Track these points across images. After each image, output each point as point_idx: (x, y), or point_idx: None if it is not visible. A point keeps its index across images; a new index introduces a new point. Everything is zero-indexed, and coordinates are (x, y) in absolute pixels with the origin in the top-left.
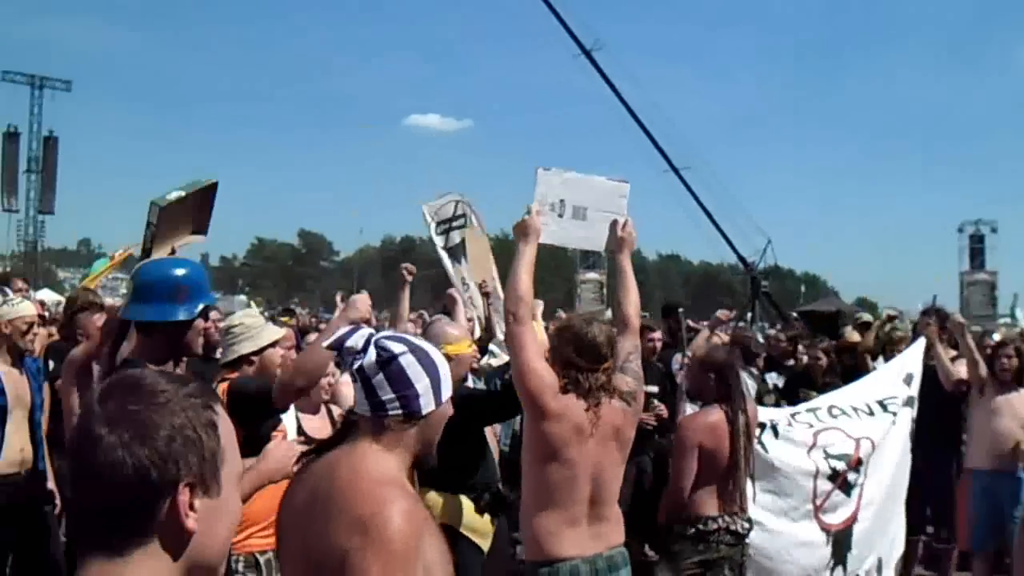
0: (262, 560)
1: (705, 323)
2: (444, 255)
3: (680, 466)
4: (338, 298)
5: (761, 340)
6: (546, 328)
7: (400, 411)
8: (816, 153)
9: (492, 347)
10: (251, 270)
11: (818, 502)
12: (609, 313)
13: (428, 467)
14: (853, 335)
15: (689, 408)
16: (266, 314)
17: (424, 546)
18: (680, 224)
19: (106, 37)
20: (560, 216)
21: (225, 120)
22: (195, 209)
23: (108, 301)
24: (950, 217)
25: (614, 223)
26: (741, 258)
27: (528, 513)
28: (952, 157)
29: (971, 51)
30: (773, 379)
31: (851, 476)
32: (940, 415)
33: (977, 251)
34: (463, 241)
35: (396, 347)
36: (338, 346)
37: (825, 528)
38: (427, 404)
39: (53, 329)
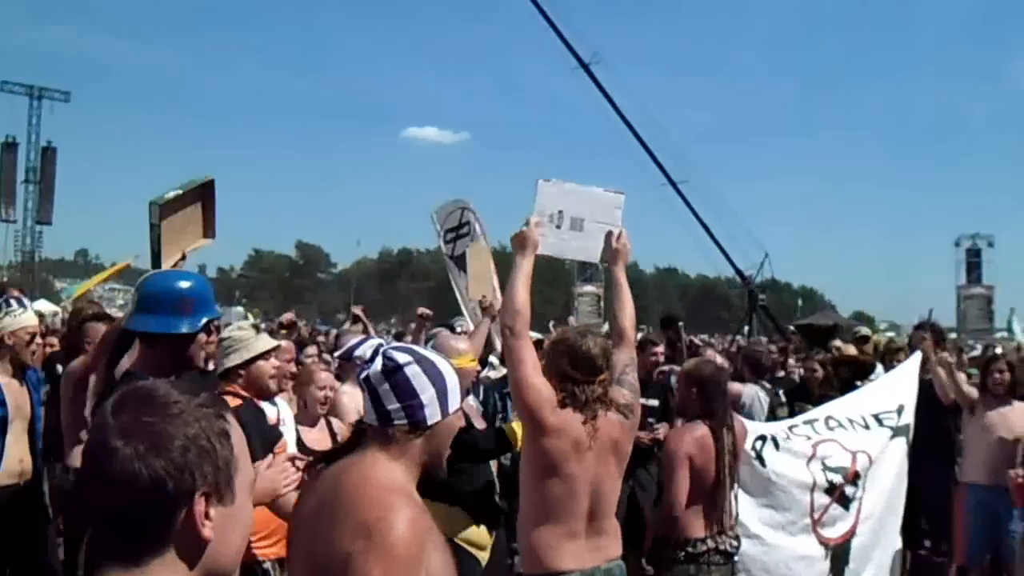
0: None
1: (704, 336)
2: (450, 263)
3: (673, 479)
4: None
5: None
6: (541, 342)
7: (405, 421)
8: (813, 167)
9: (491, 359)
10: (248, 281)
11: (816, 516)
12: (607, 326)
13: (438, 479)
14: (849, 348)
15: (680, 424)
16: (263, 326)
17: (428, 555)
18: (677, 237)
19: (105, 47)
20: (558, 227)
21: (223, 131)
22: (201, 213)
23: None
24: (947, 231)
25: (609, 234)
26: (738, 271)
27: (527, 526)
28: (949, 171)
29: (968, 64)
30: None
31: (848, 490)
32: (936, 429)
33: (974, 265)
34: (464, 254)
35: (402, 357)
36: (348, 356)
37: (823, 542)
38: (433, 415)
39: (53, 340)
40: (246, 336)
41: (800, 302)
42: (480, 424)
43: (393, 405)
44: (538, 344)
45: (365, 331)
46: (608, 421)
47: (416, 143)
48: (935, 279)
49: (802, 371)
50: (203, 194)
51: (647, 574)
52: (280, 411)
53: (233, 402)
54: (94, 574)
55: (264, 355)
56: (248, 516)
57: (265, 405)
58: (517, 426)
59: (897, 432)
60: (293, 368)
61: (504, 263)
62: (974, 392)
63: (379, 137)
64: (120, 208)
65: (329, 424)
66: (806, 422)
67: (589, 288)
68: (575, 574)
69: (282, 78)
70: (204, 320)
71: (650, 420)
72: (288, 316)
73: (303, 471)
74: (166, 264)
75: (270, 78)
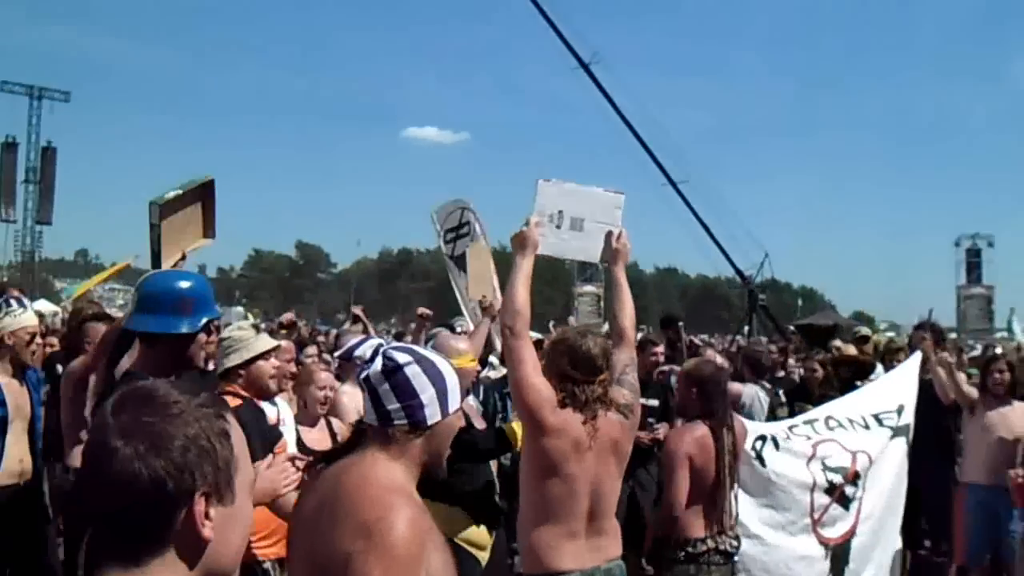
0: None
1: (704, 336)
2: (450, 263)
3: (673, 479)
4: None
5: None
6: (541, 342)
7: (405, 421)
8: (813, 167)
9: (491, 359)
10: (248, 281)
11: (816, 516)
12: (607, 326)
13: (438, 479)
14: (849, 348)
15: (680, 424)
16: (263, 326)
17: (428, 555)
18: (677, 237)
19: (105, 47)
20: (558, 227)
21: (223, 131)
22: (201, 213)
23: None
24: (947, 231)
25: (609, 234)
26: (738, 271)
27: (527, 526)
28: (949, 171)
29: (968, 64)
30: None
31: (848, 490)
32: (936, 429)
33: (974, 265)
34: (464, 254)
35: (402, 357)
36: (348, 356)
37: (823, 542)
38: (433, 415)
39: (53, 340)
40: (246, 336)
41: (800, 302)
42: (480, 424)
43: (393, 405)
44: (538, 344)
45: (365, 331)
46: (608, 421)
47: (416, 143)
48: (935, 279)
49: (802, 371)
50: (203, 194)
51: (647, 574)
52: (280, 411)
53: (233, 402)
54: (94, 574)
55: (264, 355)
56: (248, 516)
57: (265, 405)
58: (517, 426)
59: (897, 432)
60: (293, 368)
61: (504, 263)
62: (974, 392)
63: (379, 137)
64: (120, 208)
65: (329, 424)
66: (806, 422)
67: (589, 288)
68: (575, 574)
69: (282, 78)
70: (204, 320)
71: (650, 420)
72: (288, 316)
73: (303, 471)
74: (166, 264)
75: (270, 78)
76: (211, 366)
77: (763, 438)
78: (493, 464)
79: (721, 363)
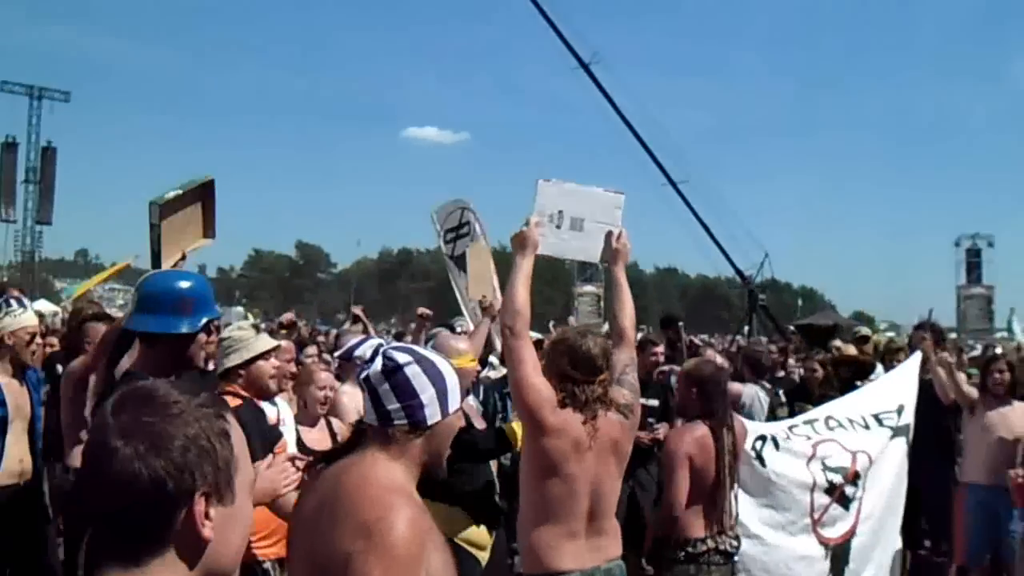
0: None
1: (704, 336)
2: (451, 263)
3: (673, 479)
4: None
5: None
6: (541, 342)
7: (405, 421)
8: (813, 167)
9: (491, 359)
10: (248, 281)
11: (816, 516)
12: (607, 326)
13: (438, 479)
14: (849, 348)
15: (680, 424)
16: (263, 326)
17: (428, 555)
18: (677, 237)
19: (105, 47)
20: (558, 227)
21: (223, 131)
22: (201, 213)
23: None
24: (947, 231)
25: (609, 234)
26: (738, 271)
27: (527, 526)
28: (950, 171)
29: (968, 64)
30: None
31: (848, 490)
32: (936, 429)
33: (974, 265)
34: (464, 254)
35: (402, 357)
36: (348, 356)
37: (823, 542)
38: (433, 415)
39: (53, 340)
40: (246, 336)
41: (800, 302)
42: (480, 424)
43: (393, 405)
44: (538, 344)
45: (365, 331)
46: (608, 421)
47: (416, 143)
48: (935, 279)
49: (802, 371)
50: (203, 194)
51: (647, 574)
52: (280, 411)
53: (233, 402)
54: (94, 574)
55: (264, 355)
56: (248, 516)
57: (265, 405)
58: (517, 426)
59: (897, 432)
60: (293, 368)
61: (504, 263)
62: (974, 392)
63: (379, 137)
64: (120, 208)
65: (329, 424)
66: (806, 422)
67: (589, 288)
68: (575, 574)
69: (282, 78)
70: (204, 320)
71: (650, 420)
72: (288, 316)
73: (303, 471)
74: (166, 264)
75: (270, 78)
76: (211, 366)
77: (763, 438)
78: (493, 464)
79: (721, 363)
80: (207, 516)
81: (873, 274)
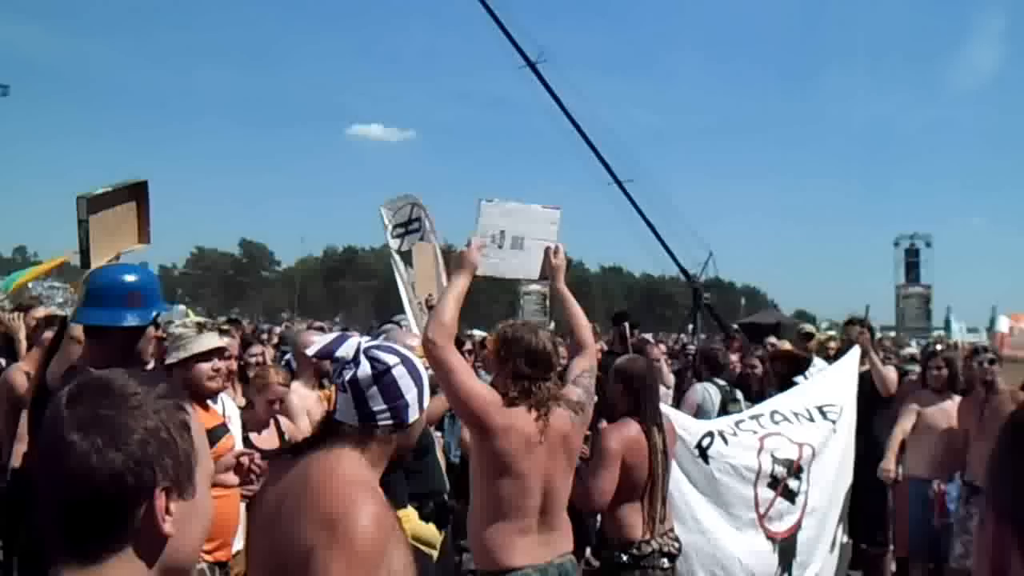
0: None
1: (648, 336)
2: (397, 258)
3: (599, 471)
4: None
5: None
6: (483, 341)
7: (391, 421)
8: (756, 167)
9: None
10: (191, 279)
11: (761, 511)
12: (552, 325)
13: (405, 460)
14: (784, 343)
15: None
16: (208, 324)
17: (390, 552)
18: (623, 236)
19: (44, 43)
20: (500, 247)
21: (165, 128)
22: (136, 215)
23: (42, 311)
24: (887, 232)
25: (547, 250)
26: (683, 270)
27: (478, 524)
28: (889, 173)
29: (906, 71)
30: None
31: (792, 483)
32: (872, 420)
33: (912, 265)
34: (411, 251)
35: (390, 359)
36: (327, 355)
37: (770, 536)
38: (413, 413)
39: None
40: (187, 334)
41: (743, 301)
42: None
43: (379, 406)
44: (482, 343)
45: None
46: (558, 417)
47: (361, 140)
48: (875, 278)
49: (739, 368)
50: (137, 195)
51: (593, 568)
52: (226, 408)
53: None
54: (49, 572)
55: (205, 355)
56: (209, 510)
57: (209, 402)
58: None
59: (840, 425)
60: (234, 365)
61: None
62: (893, 375)
63: (324, 134)
64: (59, 204)
65: (278, 424)
66: (752, 417)
67: (535, 287)
68: (528, 570)
69: (226, 75)
70: (154, 314)
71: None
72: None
73: (249, 467)
74: (97, 263)
75: (213, 74)
76: (151, 364)
77: (711, 434)
78: (442, 461)
79: (656, 360)
80: (168, 511)
81: (815, 274)
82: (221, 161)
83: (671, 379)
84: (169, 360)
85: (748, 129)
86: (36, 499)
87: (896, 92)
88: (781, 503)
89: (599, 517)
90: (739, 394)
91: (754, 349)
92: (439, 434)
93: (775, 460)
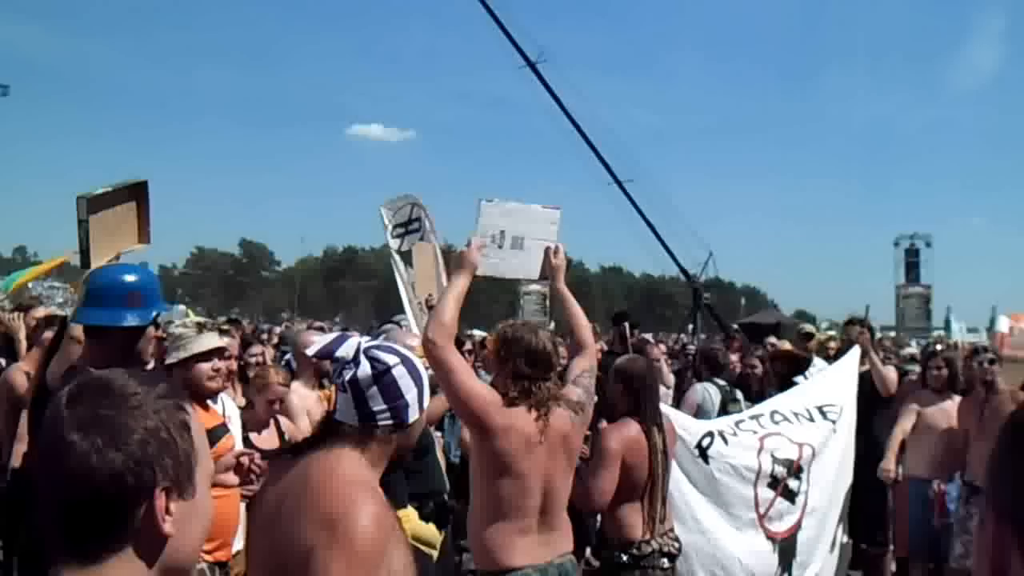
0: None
1: (648, 336)
2: (397, 258)
3: (599, 471)
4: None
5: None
6: (483, 341)
7: (391, 421)
8: (756, 167)
9: None
10: (191, 279)
11: (761, 511)
12: (552, 325)
13: (405, 459)
14: (784, 343)
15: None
16: (208, 324)
17: (390, 553)
18: (623, 236)
19: (44, 43)
20: (500, 247)
21: (165, 128)
22: (136, 215)
23: (42, 311)
24: (886, 231)
25: (547, 250)
26: (683, 270)
27: (478, 524)
28: (889, 173)
29: (906, 70)
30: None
31: (792, 483)
32: (872, 420)
33: (912, 265)
34: (411, 251)
35: (390, 359)
36: (327, 355)
37: (770, 536)
38: (413, 413)
39: None
40: (187, 334)
41: (743, 301)
42: None
43: (379, 406)
44: (482, 343)
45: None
46: (558, 416)
47: (361, 141)
48: (875, 279)
49: (739, 368)
50: (137, 195)
51: (593, 568)
52: (226, 408)
53: None
54: (49, 572)
55: (205, 355)
56: (209, 509)
57: (209, 402)
58: None
59: (840, 425)
60: (234, 365)
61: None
62: (893, 375)
63: (324, 134)
64: (59, 204)
65: (278, 424)
66: (752, 417)
67: (535, 287)
68: (528, 570)
69: (226, 75)
70: (155, 313)
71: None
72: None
73: (250, 466)
74: (96, 263)
75: (214, 75)
76: (151, 364)
77: (711, 434)
78: (442, 461)
79: (656, 360)
80: (168, 511)
81: (815, 274)
82: (221, 161)
83: (671, 379)
84: (169, 360)
85: (748, 129)
86: (36, 499)
87: (896, 92)
88: (781, 503)
89: (599, 517)
90: (739, 394)
91: (754, 349)
92: (439, 434)
93: (775, 460)
